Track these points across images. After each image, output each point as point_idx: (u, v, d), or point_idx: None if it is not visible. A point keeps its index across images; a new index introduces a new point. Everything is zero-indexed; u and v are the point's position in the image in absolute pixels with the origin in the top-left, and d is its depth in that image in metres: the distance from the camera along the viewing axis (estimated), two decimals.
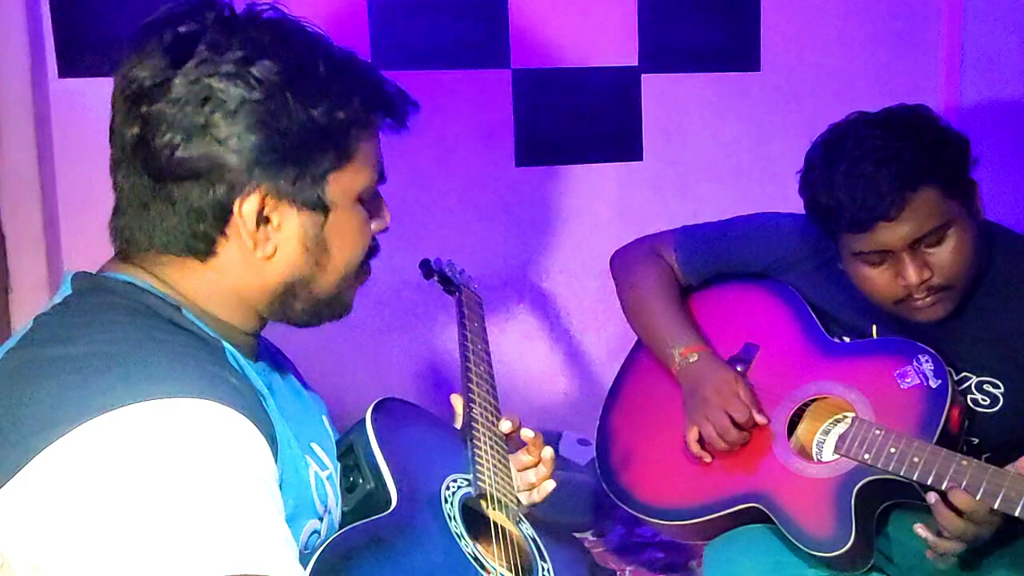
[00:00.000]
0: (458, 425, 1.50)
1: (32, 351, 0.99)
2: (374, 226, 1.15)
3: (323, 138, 1.04)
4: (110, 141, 1.05)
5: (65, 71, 2.43)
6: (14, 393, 0.95)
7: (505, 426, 1.48)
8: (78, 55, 2.43)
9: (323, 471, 1.18)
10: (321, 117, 1.02)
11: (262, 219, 1.04)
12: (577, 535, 1.72)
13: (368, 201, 1.12)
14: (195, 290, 1.07)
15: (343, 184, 1.07)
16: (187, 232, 1.03)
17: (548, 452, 1.47)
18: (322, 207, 1.06)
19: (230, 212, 1.02)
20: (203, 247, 1.04)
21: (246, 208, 1.02)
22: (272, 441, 1.00)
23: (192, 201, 1.01)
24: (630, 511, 1.89)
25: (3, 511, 0.91)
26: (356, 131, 1.07)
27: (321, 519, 1.15)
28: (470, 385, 1.51)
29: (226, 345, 1.07)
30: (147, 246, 1.05)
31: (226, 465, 0.92)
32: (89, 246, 2.46)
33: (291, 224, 1.05)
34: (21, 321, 2.38)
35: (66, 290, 1.06)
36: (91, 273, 1.08)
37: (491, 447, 1.43)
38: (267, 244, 1.05)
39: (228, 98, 0.99)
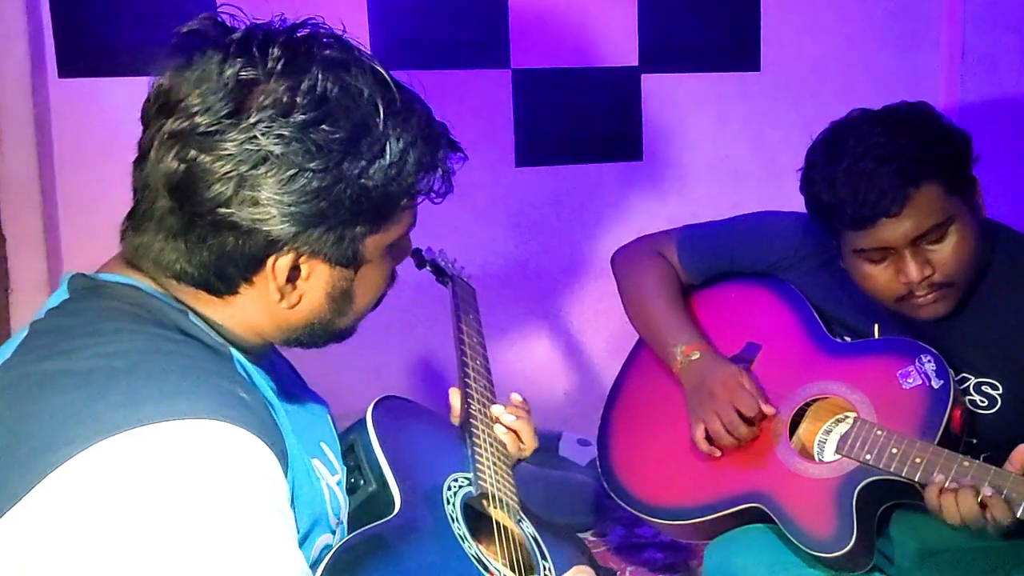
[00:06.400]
0: (455, 421, 1.50)
1: (31, 364, 0.95)
2: (395, 261, 1.14)
3: (372, 207, 1.01)
4: (138, 146, 1.01)
5: (65, 71, 2.43)
6: (15, 411, 0.92)
7: (497, 409, 1.49)
8: (78, 55, 2.42)
9: (333, 476, 1.17)
10: (375, 189, 1.00)
11: (293, 273, 1.02)
12: (577, 535, 1.72)
13: (396, 244, 1.11)
14: (205, 311, 1.05)
15: (378, 240, 1.06)
16: (212, 272, 1.00)
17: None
18: (355, 263, 1.05)
19: (262, 264, 1.00)
20: (224, 288, 1.02)
21: (279, 264, 1.00)
22: (283, 457, 0.99)
23: (225, 248, 0.98)
24: (631, 511, 1.89)
25: (9, 537, 0.88)
26: (405, 200, 1.05)
27: (333, 532, 1.14)
28: (467, 380, 1.51)
29: (234, 352, 1.05)
30: (163, 269, 1.02)
31: (240, 495, 0.90)
32: (89, 246, 2.45)
33: (321, 277, 1.04)
34: (21, 321, 2.38)
35: (63, 293, 1.02)
36: (89, 275, 1.04)
37: (490, 444, 1.43)
38: (293, 295, 1.04)
39: (284, 164, 0.95)
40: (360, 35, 1.08)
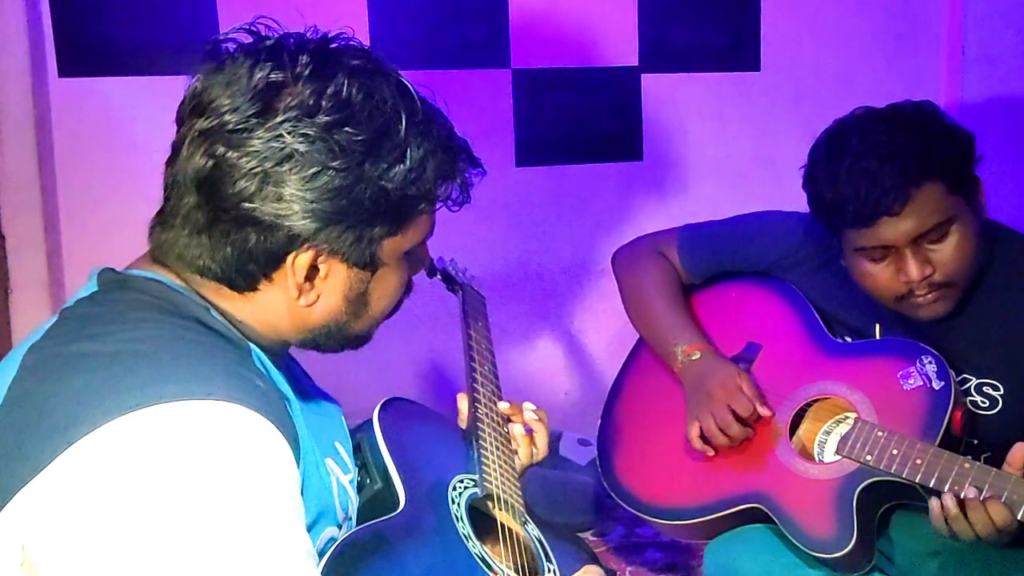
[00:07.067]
0: (463, 425, 1.51)
1: (59, 347, 0.99)
2: (412, 270, 1.17)
3: (390, 209, 1.05)
4: (172, 146, 1.04)
5: (65, 71, 2.43)
6: (41, 388, 0.96)
7: (504, 406, 1.50)
8: (78, 55, 2.43)
9: (345, 475, 1.19)
10: (394, 192, 1.03)
11: (312, 272, 1.05)
12: (581, 538, 1.72)
13: (412, 252, 1.14)
14: (226, 307, 1.08)
15: (395, 244, 1.09)
16: (234, 268, 1.04)
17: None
18: (372, 266, 1.08)
19: (282, 261, 1.04)
20: (244, 284, 1.06)
21: (299, 261, 1.04)
22: (295, 445, 1.01)
23: (247, 244, 1.02)
24: (631, 511, 1.89)
25: (28, 508, 0.91)
26: (423, 205, 1.08)
27: (340, 527, 1.15)
28: (475, 385, 1.51)
29: (253, 347, 1.07)
30: (187, 264, 1.05)
31: (251, 473, 0.92)
32: (89, 246, 2.47)
33: (338, 277, 1.07)
34: (21, 321, 2.39)
35: (92, 286, 1.06)
36: (117, 270, 1.08)
37: (497, 447, 1.43)
38: (311, 293, 1.07)
39: (308, 162, 0.99)
40: (360, 35, 1.10)
